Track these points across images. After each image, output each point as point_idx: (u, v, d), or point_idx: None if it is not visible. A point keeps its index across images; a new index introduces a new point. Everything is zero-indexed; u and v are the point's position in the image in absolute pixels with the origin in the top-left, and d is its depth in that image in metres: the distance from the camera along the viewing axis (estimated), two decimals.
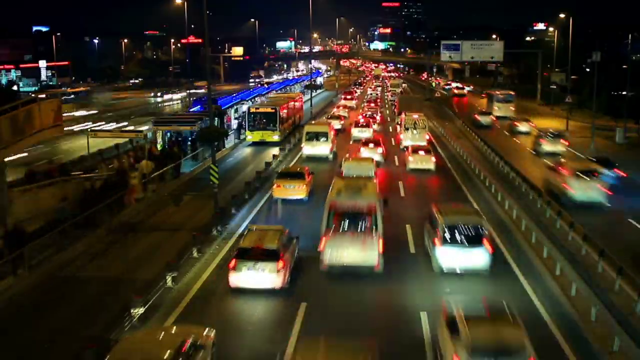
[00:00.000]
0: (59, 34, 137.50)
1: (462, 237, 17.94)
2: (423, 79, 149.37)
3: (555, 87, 77.87)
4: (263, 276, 16.72)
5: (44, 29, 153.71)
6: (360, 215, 18.27)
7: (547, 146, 41.41)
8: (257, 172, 31.51)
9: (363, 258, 18.02)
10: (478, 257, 17.86)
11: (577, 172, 27.38)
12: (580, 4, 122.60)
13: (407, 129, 42.59)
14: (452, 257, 17.97)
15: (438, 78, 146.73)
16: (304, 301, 16.43)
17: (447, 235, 17.95)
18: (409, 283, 17.92)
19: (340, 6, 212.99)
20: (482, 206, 26.05)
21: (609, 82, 61.98)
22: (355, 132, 46.37)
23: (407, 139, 41.47)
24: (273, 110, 44.80)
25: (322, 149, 37.88)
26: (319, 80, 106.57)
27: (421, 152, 35.36)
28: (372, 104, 71.45)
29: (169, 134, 38.72)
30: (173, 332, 13.01)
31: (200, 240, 20.55)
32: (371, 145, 37.58)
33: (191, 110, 51.40)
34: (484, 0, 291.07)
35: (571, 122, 53.72)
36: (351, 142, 44.70)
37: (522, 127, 51.93)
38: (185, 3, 77.67)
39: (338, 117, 56.20)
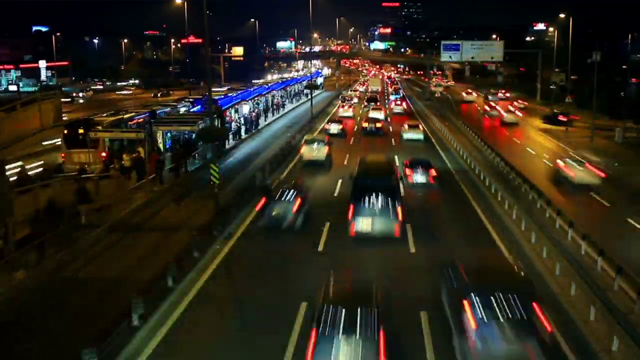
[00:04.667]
0: (59, 34, 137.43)
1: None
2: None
3: (555, 87, 77.94)
4: None
5: (44, 29, 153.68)
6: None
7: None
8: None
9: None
10: None
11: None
12: (580, 4, 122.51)
13: None
14: None
15: (443, 79, 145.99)
16: None
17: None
18: None
19: (340, 6, 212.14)
20: None
21: (609, 82, 62.00)
22: None
23: None
24: None
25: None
26: (319, 80, 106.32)
27: None
28: None
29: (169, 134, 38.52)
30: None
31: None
32: None
33: (192, 110, 51.31)
34: (484, 0, 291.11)
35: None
36: None
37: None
38: (185, 3, 77.74)
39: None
